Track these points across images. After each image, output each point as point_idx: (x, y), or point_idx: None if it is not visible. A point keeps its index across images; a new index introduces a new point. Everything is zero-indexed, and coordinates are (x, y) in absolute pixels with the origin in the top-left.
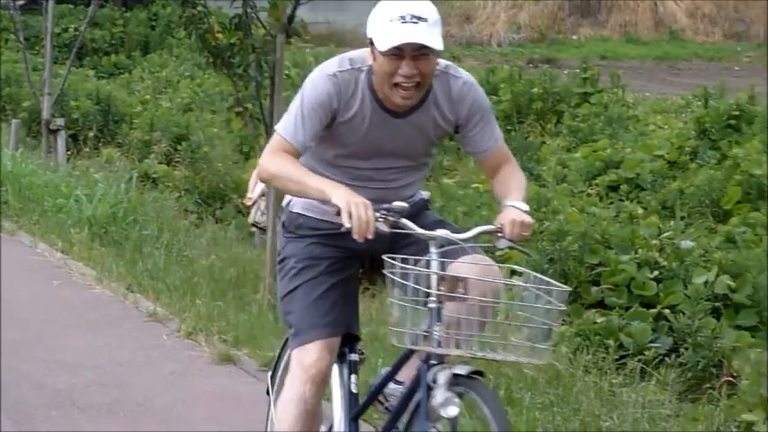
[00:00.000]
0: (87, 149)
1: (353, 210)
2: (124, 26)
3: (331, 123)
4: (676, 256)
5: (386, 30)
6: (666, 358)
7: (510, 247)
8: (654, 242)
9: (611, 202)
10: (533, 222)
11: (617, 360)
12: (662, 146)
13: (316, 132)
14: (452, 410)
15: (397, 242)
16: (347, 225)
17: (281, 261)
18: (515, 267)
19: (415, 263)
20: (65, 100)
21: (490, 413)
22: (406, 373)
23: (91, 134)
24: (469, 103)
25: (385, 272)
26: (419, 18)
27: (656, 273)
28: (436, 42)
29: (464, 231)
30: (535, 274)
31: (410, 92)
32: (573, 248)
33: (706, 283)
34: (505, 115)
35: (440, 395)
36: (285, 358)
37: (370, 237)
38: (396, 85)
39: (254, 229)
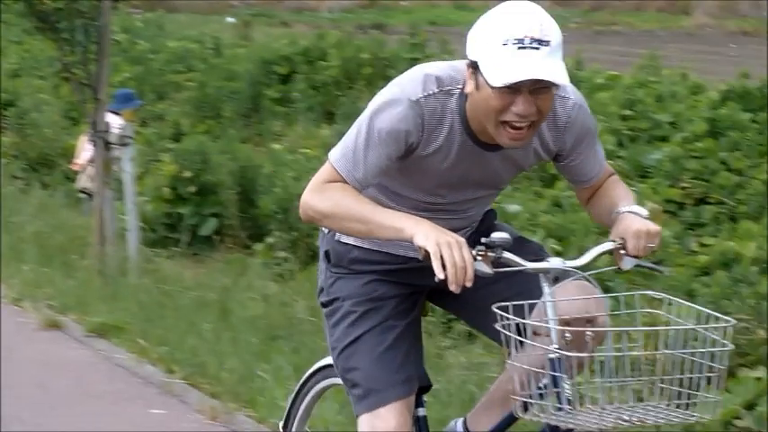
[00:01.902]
0: None
1: (446, 252)
2: None
3: (404, 157)
4: (504, 220)
5: (499, 57)
6: None
7: (638, 267)
8: None
9: None
10: (660, 229)
11: (444, 323)
12: None
13: (381, 169)
14: None
15: None
16: (440, 275)
17: (329, 303)
18: (652, 294)
19: (530, 309)
20: None
21: None
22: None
23: None
24: (577, 129)
25: (498, 327)
26: (540, 42)
27: None
28: (563, 76)
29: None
30: (681, 301)
31: (522, 132)
32: None
33: None
34: (335, 81)
35: None
36: (302, 407)
37: (469, 284)
38: (504, 122)
39: (81, 195)
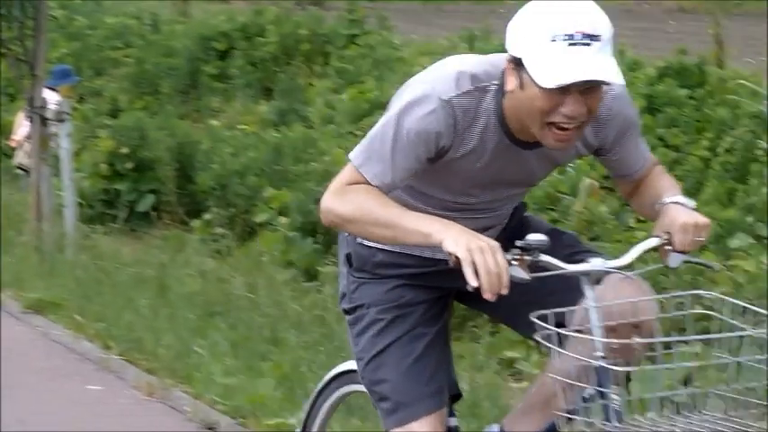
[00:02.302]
0: None
1: (479, 258)
2: None
3: (435, 159)
4: None
5: (548, 55)
6: None
7: (687, 263)
8: None
9: None
10: (709, 222)
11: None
12: None
13: (410, 172)
14: None
15: None
16: (473, 283)
17: (353, 311)
18: (702, 293)
19: (570, 317)
20: None
21: None
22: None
23: None
24: (620, 122)
25: (538, 339)
26: (591, 37)
27: None
28: (617, 74)
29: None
30: (735, 301)
31: (569, 133)
32: None
33: None
34: (273, 57)
35: None
36: (320, 414)
37: (505, 292)
38: (550, 123)
39: (19, 171)
